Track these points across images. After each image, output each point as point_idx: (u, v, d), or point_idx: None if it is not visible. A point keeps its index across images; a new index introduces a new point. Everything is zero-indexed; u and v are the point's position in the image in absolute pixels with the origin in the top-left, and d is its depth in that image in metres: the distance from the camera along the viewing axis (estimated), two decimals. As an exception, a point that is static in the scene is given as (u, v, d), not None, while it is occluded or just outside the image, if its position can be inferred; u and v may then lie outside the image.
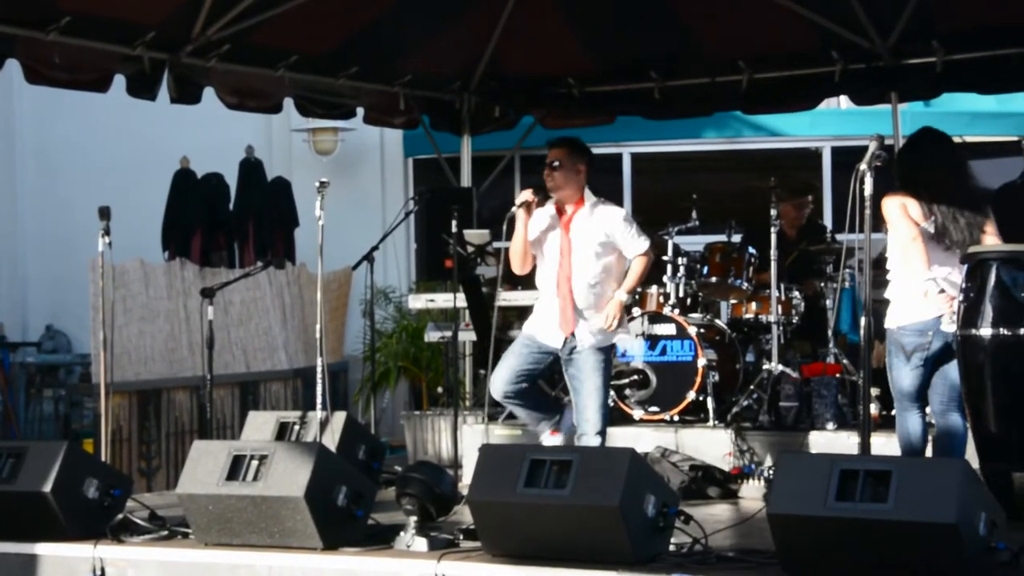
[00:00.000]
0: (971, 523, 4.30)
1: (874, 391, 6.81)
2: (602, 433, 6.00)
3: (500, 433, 7.51)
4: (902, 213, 5.61)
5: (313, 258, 7.91)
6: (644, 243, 6.10)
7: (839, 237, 8.04)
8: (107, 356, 6.87)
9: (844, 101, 10.76)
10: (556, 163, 6.09)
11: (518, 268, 6.19)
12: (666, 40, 8.47)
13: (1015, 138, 10.92)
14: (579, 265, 6.06)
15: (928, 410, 5.83)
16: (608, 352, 6.10)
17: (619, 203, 11.73)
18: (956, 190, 5.67)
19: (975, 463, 5.21)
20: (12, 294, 12.79)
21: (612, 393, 7.62)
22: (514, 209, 6.07)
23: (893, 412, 5.93)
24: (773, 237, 7.53)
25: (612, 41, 8.65)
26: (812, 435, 6.96)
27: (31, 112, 12.63)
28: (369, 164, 12.35)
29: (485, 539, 5.02)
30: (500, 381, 6.13)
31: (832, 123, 11.53)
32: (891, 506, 4.36)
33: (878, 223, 5.25)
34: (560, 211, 6.13)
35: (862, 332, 5.27)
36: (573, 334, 6.05)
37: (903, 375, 5.69)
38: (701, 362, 7.42)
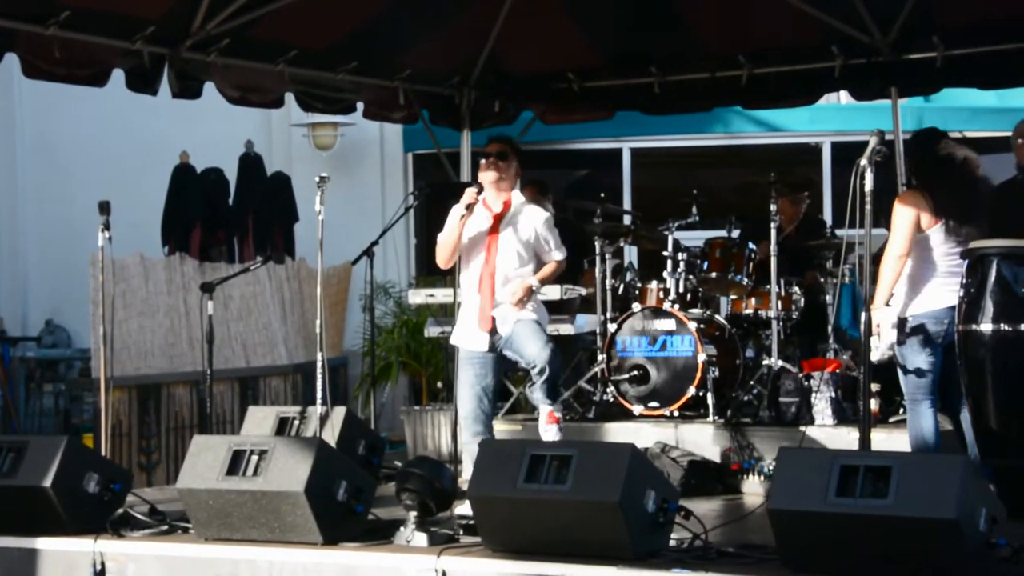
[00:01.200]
0: (971, 519, 4.29)
1: (874, 386, 6.80)
2: (549, 367, 5.98)
3: (500, 428, 7.51)
4: (909, 226, 5.60)
5: (313, 253, 7.90)
6: (560, 253, 6.19)
7: (839, 233, 8.03)
8: (107, 351, 6.86)
9: (844, 96, 10.75)
10: (503, 153, 6.16)
11: (444, 262, 6.29)
12: (666, 35, 8.46)
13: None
14: (503, 263, 6.10)
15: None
16: (535, 318, 6.13)
17: (619, 198, 11.93)
18: (965, 187, 5.67)
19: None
20: (12, 288, 12.78)
21: (612, 389, 7.62)
22: (463, 211, 6.11)
23: (898, 407, 5.91)
24: (773, 232, 7.52)
25: (612, 36, 8.63)
26: (812, 431, 6.96)
27: (31, 106, 12.62)
28: (369, 159, 12.34)
29: (485, 534, 5.02)
30: (467, 415, 6.10)
31: (832, 118, 11.52)
32: (891, 502, 4.36)
33: (878, 219, 5.24)
34: (488, 209, 6.17)
35: (862, 327, 5.26)
36: (494, 328, 6.07)
37: (920, 362, 5.64)
38: (701, 357, 7.41)
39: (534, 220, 6.13)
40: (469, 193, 6.08)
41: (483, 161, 6.17)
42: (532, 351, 6.02)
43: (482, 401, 6.03)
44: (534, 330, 6.06)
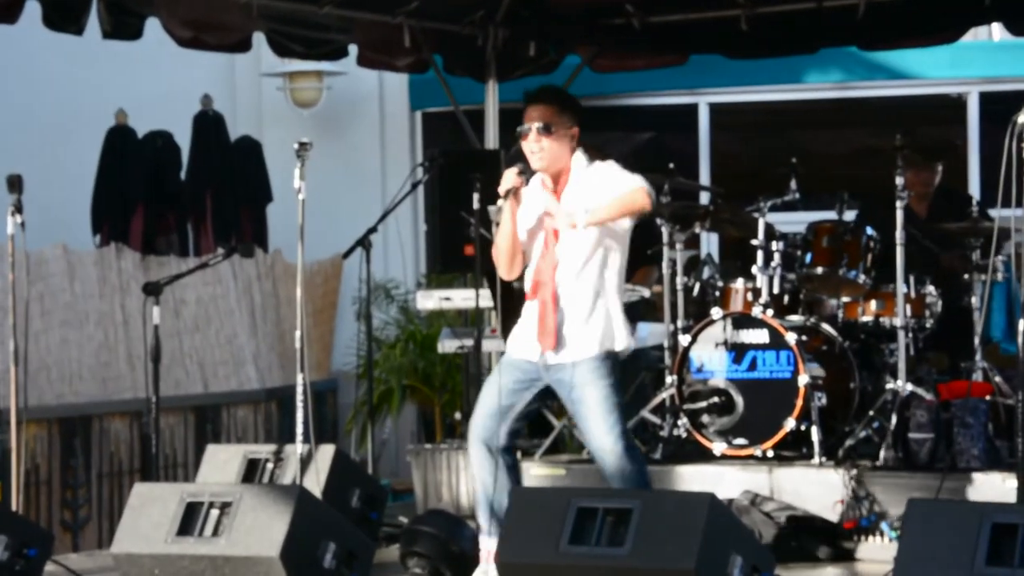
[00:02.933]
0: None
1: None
2: (632, 464, 5.88)
3: (537, 473, 7.51)
4: None
5: (291, 243, 7.92)
6: (637, 179, 5.80)
7: (989, 213, 7.99)
8: (19, 372, 6.91)
9: (997, 31, 10.67)
10: (542, 126, 5.91)
11: (506, 271, 6.06)
12: (757, -49, 8.47)
13: None
14: (568, 255, 5.92)
15: None
16: (612, 358, 5.96)
17: (694, 168, 11.92)
18: None
19: None
20: None
21: (685, 421, 7.61)
22: (500, 202, 5.96)
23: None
24: (899, 214, 7.50)
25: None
26: (953, 477, 6.92)
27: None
28: (364, 119, 12.38)
29: (518, 614, 5.03)
30: (475, 427, 5.98)
31: (980, 61, 11.46)
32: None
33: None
34: (544, 187, 6.04)
35: (1020, 340, 5.23)
36: (556, 348, 5.95)
37: None
38: (803, 379, 7.39)
39: (599, 181, 5.87)
40: (509, 176, 5.93)
41: (521, 133, 5.98)
42: (595, 432, 5.81)
43: (494, 418, 5.94)
44: (602, 396, 5.80)
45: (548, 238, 5.94)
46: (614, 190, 5.81)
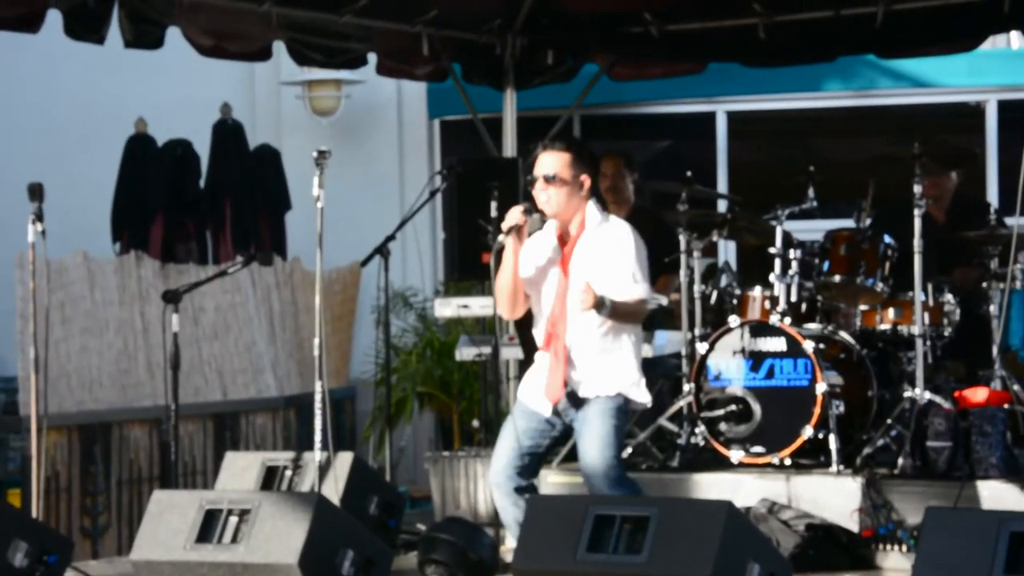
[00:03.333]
0: None
1: (1055, 427, 6.73)
2: (615, 479, 5.91)
3: (555, 480, 7.50)
4: None
5: (310, 251, 7.93)
6: (644, 289, 5.97)
7: (1007, 221, 7.97)
8: (40, 380, 6.92)
9: (1016, 39, 10.63)
10: (552, 174, 5.97)
11: (506, 311, 6.09)
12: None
13: None
14: (578, 312, 5.96)
15: None
16: (625, 407, 6.01)
17: (712, 176, 11.90)
18: None
19: None
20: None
21: (703, 429, 7.59)
22: (501, 238, 5.97)
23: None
24: (917, 222, 7.47)
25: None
26: (971, 486, 6.90)
27: (-58, 62, 12.78)
28: (383, 128, 12.38)
29: (536, 621, 5.02)
30: (498, 469, 6.01)
31: (999, 69, 11.43)
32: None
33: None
34: (561, 237, 6.05)
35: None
36: (564, 399, 5.95)
37: None
38: (821, 388, 7.37)
39: (610, 243, 5.99)
40: (513, 214, 5.94)
41: (530, 180, 6.02)
42: (588, 458, 5.92)
43: (521, 458, 5.97)
44: (602, 432, 5.90)
45: (561, 289, 5.96)
46: (617, 287, 5.91)
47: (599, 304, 5.83)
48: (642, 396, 6.03)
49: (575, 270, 5.97)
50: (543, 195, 5.96)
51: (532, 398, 6.03)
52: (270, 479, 6.96)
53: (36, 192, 6.75)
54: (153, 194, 11.24)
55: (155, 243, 11.05)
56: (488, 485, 6.44)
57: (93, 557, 8.37)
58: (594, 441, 5.89)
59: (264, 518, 5.41)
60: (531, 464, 5.98)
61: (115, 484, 9.06)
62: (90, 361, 9.40)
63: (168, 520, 5.53)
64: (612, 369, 5.97)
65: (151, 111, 11.48)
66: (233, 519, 5.48)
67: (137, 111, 11.46)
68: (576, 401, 5.95)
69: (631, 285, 5.91)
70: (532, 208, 5.94)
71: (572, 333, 5.95)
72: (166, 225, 11.23)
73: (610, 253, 5.94)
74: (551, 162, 5.97)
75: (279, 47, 8.61)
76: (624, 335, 5.98)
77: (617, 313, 5.90)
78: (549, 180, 5.93)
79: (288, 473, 6.98)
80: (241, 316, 10.50)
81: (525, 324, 6.84)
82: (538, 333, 6.08)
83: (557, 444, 6.19)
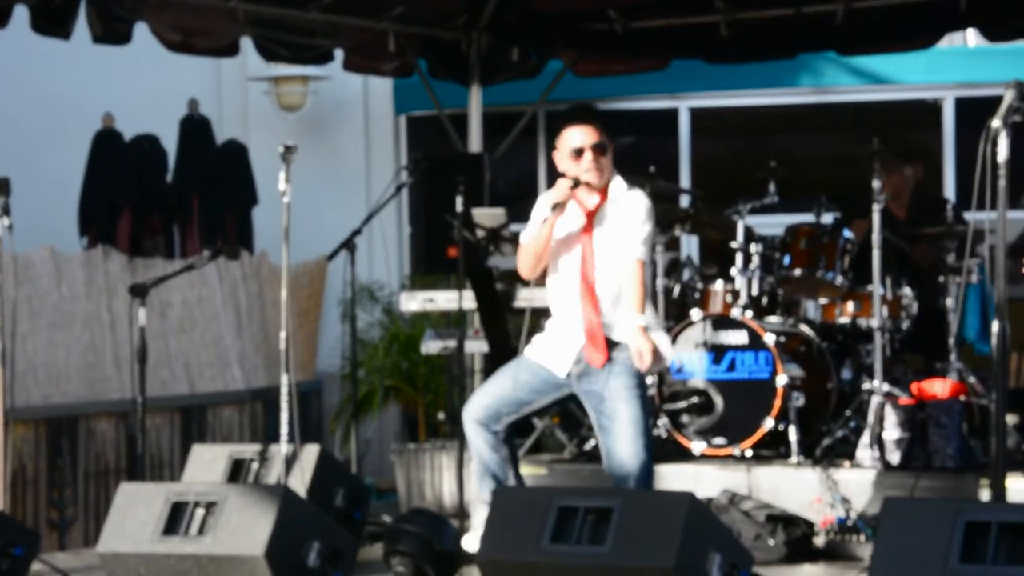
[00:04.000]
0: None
1: (1011, 418, 6.78)
2: (647, 479, 5.91)
3: (521, 472, 7.50)
4: None
5: (276, 245, 7.91)
6: (642, 249, 6.00)
7: (964, 216, 8.02)
8: (6, 373, 6.89)
9: (972, 37, 10.68)
10: (603, 144, 6.06)
11: (529, 272, 6.13)
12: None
13: None
14: (604, 274, 5.99)
15: None
16: (641, 375, 6.01)
17: (674, 172, 11.92)
18: None
19: None
20: None
21: (665, 420, 7.62)
22: (551, 214, 6.00)
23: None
24: (876, 217, 7.51)
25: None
26: (928, 476, 6.94)
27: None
28: (349, 123, 12.36)
29: (500, 611, 5.03)
30: (479, 405, 5.99)
31: (956, 67, 11.48)
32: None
33: (1017, 197, 5.23)
34: (580, 204, 6.08)
35: (994, 341, 5.24)
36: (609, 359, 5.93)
37: None
38: (781, 380, 7.41)
39: (632, 209, 6.02)
40: (561, 187, 6.00)
41: (575, 151, 6.02)
42: (624, 455, 5.79)
43: (508, 406, 5.94)
44: (635, 416, 5.82)
45: (585, 258, 5.98)
46: (626, 246, 5.95)
47: (654, 353, 5.89)
48: (668, 352, 6.06)
49: (598, 234, 6.03)
50: (593, 164, 6.00)
51: (547, 356, 6.02)
52: (237, 472, 6.95)
53: (2, 187, 6.73)
54: (120, 189, 11.19)
55: (122, 238, 11.01)
56: (452, 478, 6.44)
57: (60, 549, 8.34)
58: (626, 434, 5.81)
59: (231, 510, 5.40)
60: (513, 417, 5.96)
61: (82, 477, 9.03)
62: (57, 355, 9.36)
63: (135, 512, 5.51)
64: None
65: (118, 106, 11.43)
66: (200, 511, 5.46)
67: (104, 106, 11.41)
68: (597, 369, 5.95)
69: (636, 246, 5.96)
70: (577, 182, 6.00)
71: (601, 295, 5.98)
72: (133, 220, 11.19)
73: (630, 218, 6.01)
74: (590, 134, 6.05)
75: (246, 43, 8.59)
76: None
77: (644, 302, 5.96)
78: (599, 150, 6.01)
79: (255, 466, 6.97)
80: (208, 310, 10.46)
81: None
82: (559, 292, 6.10)
83: (547, 410, 6.14)
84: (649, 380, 7.10)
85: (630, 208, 6.02)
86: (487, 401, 5.96)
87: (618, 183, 6.09)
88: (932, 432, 7.15)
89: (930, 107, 11.95)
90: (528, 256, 6.06)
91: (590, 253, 5.99)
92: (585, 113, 6.23)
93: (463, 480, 7.28)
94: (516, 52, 9.24)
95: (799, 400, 7.47)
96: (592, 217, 6.02)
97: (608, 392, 5.87)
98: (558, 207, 5.97)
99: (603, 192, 6.05)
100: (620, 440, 5.81)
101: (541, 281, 6.90)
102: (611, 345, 5.92)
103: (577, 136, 6.04)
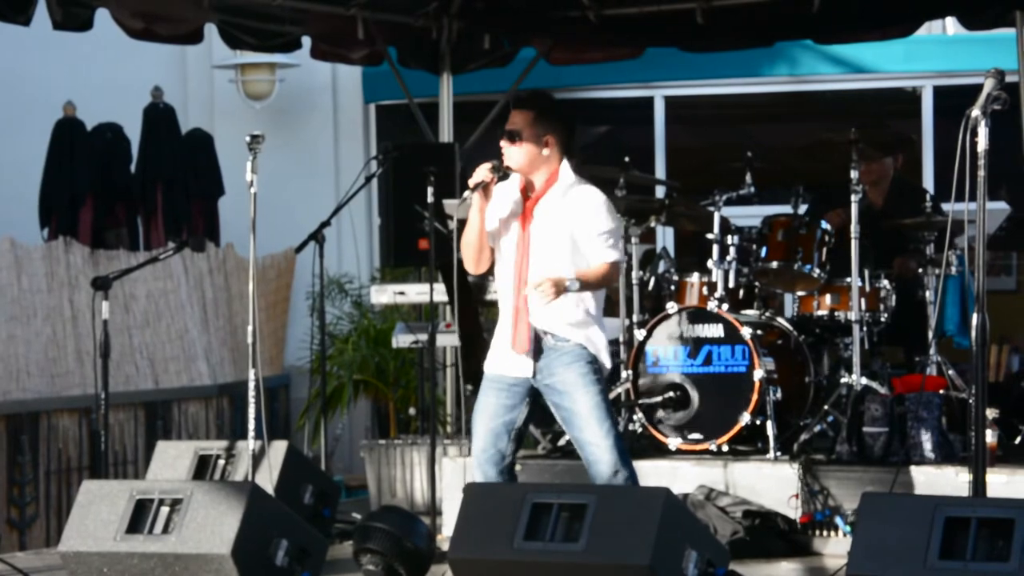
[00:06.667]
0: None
1: (990, 412, 6.80)
2: (625, 470, 5.91)
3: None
4: None
5: (243, 237, 7.90)
6: (616, 254, 5.96)
7: (943, 207, 8.05)
8: (-33, 368, 6.87)
9: (952, 25, 10.72)
10: (516, 133, 6.00)
11: (472, 266, 6.08)
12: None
13: None
14: (540, 267, 5.95)
15: None
16: (594, 360, 5.98)
17: (649, 162, 11.95)
18: None
19: None
20: None
21: (640, 416, 7.63)
22: (467, 194, 5.98)
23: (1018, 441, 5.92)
24: (855, 207, 7.53)
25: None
26: (908, 471, 6.96)
27: None
28: (317, 112, 12.35)
29: (472, 610, 5.03)
30: (477, 453, 5.91)
31: (934, 55, 11.53)
32: (1015, 567, 4.37)
33: (996, 188, 5.25)
34: (525, 191, 6.05)
35: (973, 334, 5.26)
36: (537, 351, 5.88)
37: None
38: (758, 374, 7.42)
39: (583, 205, 5.95)
40: (481, 170, 5.95)
41: (501, 134, 6.04)
42: (593, 443, 5.77)
43: (500, 439, 5.92)
44: (594, 402, 5.81)
45: (523, 248, 5.95)
46: (591, 250, 5.86)
47: (563, 289, 5.81)
48: (608, 361, 6.00)
49: (536, 225, 5.96)
50: (504, 150, 6.00)
51: (500, 363, 5.99)
52: (203, 468, 6.93)
53: (-39, 177, 6.69)
54: (82, 179, 11.15)
55: (84, 229, 10.97)
56: (424, 474, 6.44)
57: (20, 549, 8.32)
58: (589, 423, 5.79)
59: (196, 508, 5.38)
60: (511, 442, 5.93)
61: (43, 474, 9.00)
62: (17, 349, 9.33)
63: (98, 511, 5.49)
64: (579, 324, 5.94)
65: (80, 94, 11.39)
66: (164, 509, 5.45)
67: (65, 94, 11.36)
68: (542, 351, 5.91)
69: (605, 249, 5.91)
70: (499, 165, 5.97)
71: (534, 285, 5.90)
72: (96, 211, 11.15)
73: (583, 215, 5.92)
74: (515, 119, 6.03)
75: (211, 30, 8.56)
76: (581, 299, 5.95)
77: (588, 284, 5.87)
78: (511, 137, 5.98)
79: (221, 462, 6.96)
80: (173, 303, 10.44)
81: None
82: (502, 288, 6.08)
83: (533, 414, 6.08)
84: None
85: (581, 204, 5.94)
86: (480, 447, 5.90)
87: (566, 174, 6.00)
88: (911, 426, 7.16)
89: (909, 96, 12.01)
90: (467, 248, 6.01)
91: (525, 243, 5.95)
92: (528, 98, 6.15)
93: (435, 477, 7.29)
94: (488, 40, 9.24)
95: (776, 394, 7.47)
96: (533, 205, 5.99)
97: (563, 384, 5.84)
98: (477, 189, 5.90)
99: (550, 180, 5.98)
100: (586, 429, 5.79)
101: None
102: (556, 338, 5.90)
103: (509, 120, 6.04)
